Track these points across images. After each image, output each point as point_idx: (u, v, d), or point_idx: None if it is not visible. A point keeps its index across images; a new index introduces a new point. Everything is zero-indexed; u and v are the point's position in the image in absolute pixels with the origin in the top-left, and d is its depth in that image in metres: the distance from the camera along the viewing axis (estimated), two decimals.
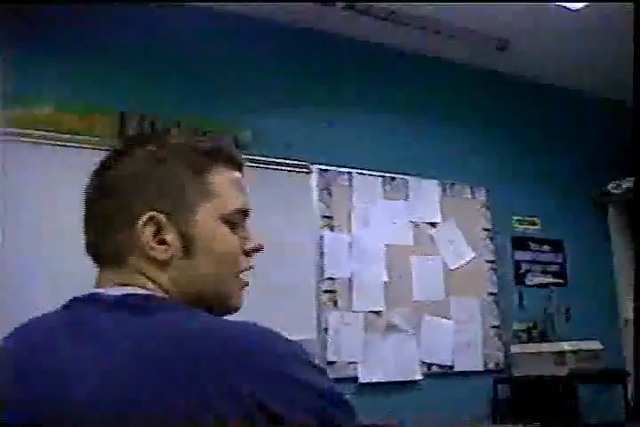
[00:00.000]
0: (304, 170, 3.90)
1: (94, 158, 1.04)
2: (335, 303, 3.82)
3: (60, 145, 3.25)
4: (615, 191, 4.95)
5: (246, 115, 3.73)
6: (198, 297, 0.97)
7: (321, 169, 3.95)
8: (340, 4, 3.84)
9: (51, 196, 3.11)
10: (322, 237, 3.86)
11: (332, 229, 3.90)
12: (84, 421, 0.79)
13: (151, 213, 0.94)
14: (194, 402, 0.77)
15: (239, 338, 0.84)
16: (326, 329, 3.76)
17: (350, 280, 3.89)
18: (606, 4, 3.91)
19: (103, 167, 1.00)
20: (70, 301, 0.96)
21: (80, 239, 1.00)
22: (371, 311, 3.91)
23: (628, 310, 4.89)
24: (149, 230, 0.94)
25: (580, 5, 3.99)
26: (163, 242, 0.94)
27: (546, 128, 4.93)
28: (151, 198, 0.95)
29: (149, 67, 3.59)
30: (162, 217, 0.94)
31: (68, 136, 3.28)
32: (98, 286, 0.96)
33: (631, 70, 4.71)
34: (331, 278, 3.83)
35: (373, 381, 3.82)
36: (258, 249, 1.04)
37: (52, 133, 3.25)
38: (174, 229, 0.95)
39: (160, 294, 0.94)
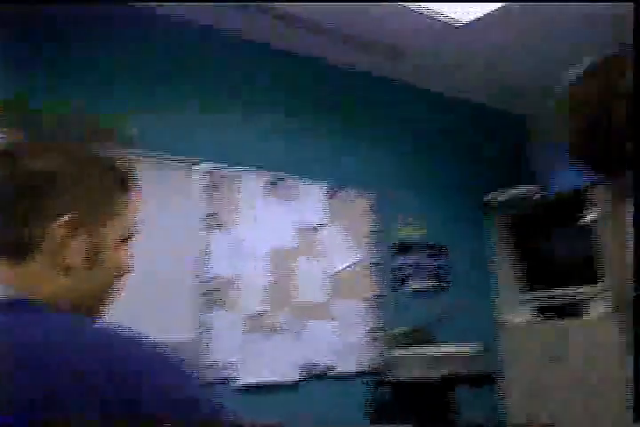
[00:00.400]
0: (190, 167, 3.84)
1: None
2: (217, 303, 3.77)
3: None
4: (499, 200, 5.10)
5: (131, 112, 3.62)
6: (80, 303, 0.97)
7: (208, 167, 3.90)
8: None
9: None
10: (206, 236, 3.81)
11: (217, 228, 3.86)
12: None
13: (69, 215, 0.93)
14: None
15: (100, 346, 0.85)
16: (207, 329, 3.71)
17: (234, 280, 3.85)
18: (496, 17, 4.00)
19: (15, 158, 0.97)
20: None
21: None
22: (253, 312, 3.88)
23: (505, 316, 5.04)
24: (62, 233, 0.93)
25: (469, 19, 4.07)
26: (72, 247, 0.95)
27: (436, 135, 5.04)
28: (70, 202, 0.94)
29: (35, 60, 3.44)
30: (77, 222, 0.94)
31: None
32: None
33: (520, 82, 4.90)
34: (213, 278, 3.79)
35: (254, 382, 3.79)
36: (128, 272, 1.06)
37: None
38: (84, 238, 0.95)
39: (40, 298, 0.93)
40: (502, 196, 5.09)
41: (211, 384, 3.55)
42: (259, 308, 3.91)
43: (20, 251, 0.94)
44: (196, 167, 3.85)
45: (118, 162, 1.04)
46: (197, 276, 3.73)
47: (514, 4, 3.87)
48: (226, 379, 3.69)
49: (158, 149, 3.66)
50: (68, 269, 0.94)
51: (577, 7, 3.92)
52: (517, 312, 5.04)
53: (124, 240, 1.02)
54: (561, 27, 4.19)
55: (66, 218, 0.93)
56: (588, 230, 4.53)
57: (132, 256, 1.05)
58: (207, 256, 3.79)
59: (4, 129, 3.02)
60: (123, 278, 1.04)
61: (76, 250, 0.95)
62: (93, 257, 0.96)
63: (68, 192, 0.95)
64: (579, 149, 1.11)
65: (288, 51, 4.36)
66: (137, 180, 1.07)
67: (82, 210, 0.95)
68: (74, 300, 0.96)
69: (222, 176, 3.94)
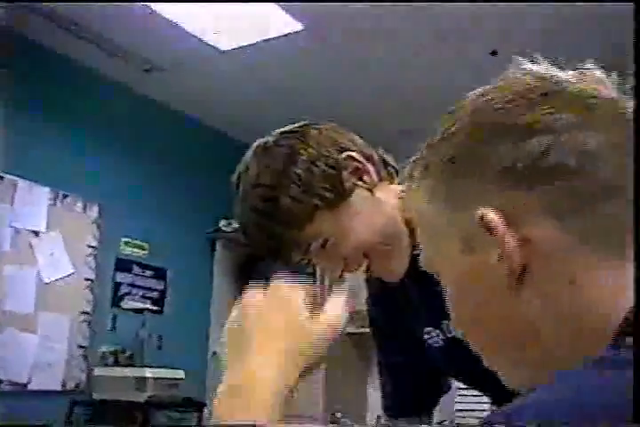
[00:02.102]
0: None
1: None
2: None
3: None
4: (225, 229, 5.17)
5: None
6: None
7: None
8: None
9: None
10: None
11: None
12: None
13: None
14: None
15: None
16: None
17: None
18: (255, 47, 4.12)
19: None
20: None
21: None
22: None
23: (216, 343, 5.07)
24: None
25: (229, 47, 4.15)
26: None
27: (174, 157, 5.01)
28: None
29: None
30: None
31: None
32: None
33: (268, 114, 5.03)
34: None
35: None
36: None
37: None
38: None
39: None
40: (229, 225, 5.17)
41: None
42: None
43: None
44: None
45: None
46: None
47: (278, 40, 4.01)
48: None
49: None
50: None
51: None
52: None
53: None
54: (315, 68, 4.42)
55: None
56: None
57: None
58: None
59: None
60: None
61: None
62: None
63: None
64: None
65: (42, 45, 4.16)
66: None
67: None
68: None
69: None
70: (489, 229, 0.59)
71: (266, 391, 0.72)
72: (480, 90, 0.67)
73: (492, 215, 0.59)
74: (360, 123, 1.78)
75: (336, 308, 0.80)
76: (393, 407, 1.57)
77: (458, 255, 0.64)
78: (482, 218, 0.60)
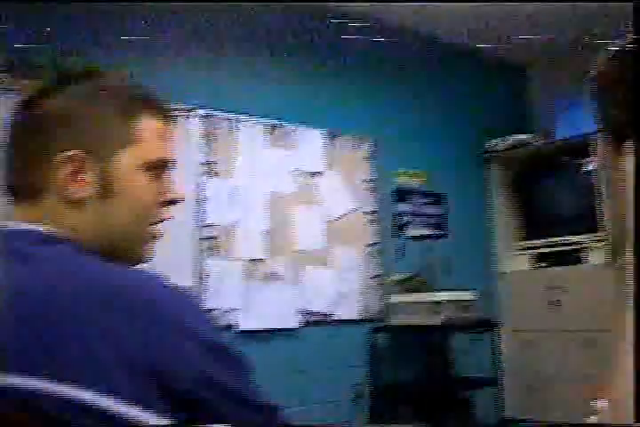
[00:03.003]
0: (185, 114, 3.78)
1: None
2: (216, 250, 3.77)
3: None
4: (499, 148, 5.06)
5: (125, 56, 3.56)
6: (107, 242, 0.97)
7: (204, 114, 3.84)
8: None
9: None
10: (203, 184, 3.78)
11: (214, 175, 3.83)
12: None
13: (73, 151, 0.93)
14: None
15: (126, 288, 0.84)
16: (206, 276, 3.71)
17: (232, 227, 3.84)
18: None
19: (32, 101, 0.99)
20: None
21: None
22: (252, 259, 3.88)
23: (504, 264, 5.05)
24: (68, 168, 0.94)
25: None
26: (81, 181, 0.94)
27: (437, 83, 4.97)
28: (75, 136, 0.95)
29: None
30: (83, 156, 0.94)
31: None
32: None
33: (530, 32, 4.79)
34: (211, 225, 3.77)
35: (253, 328, 3.81)
36: (175, 201, 1.06)
37: None
38: (93, 170, 0.95)
39: (64, 234, 0.93)
40: (503, 143, 5.05)
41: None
42: (257, 255, 3.91)
43: (33, 191, 0.95)
44: (193, 113, 3.79)
45: (126, 89, 1.04)
46: (196, 223, 3.72)
47: None
48: (228, 325, 3.71)
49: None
50: (79, 204, 0.94)
51: None
52: (516, 260, 5.05)
53: (147, 171, 0.99)
54: None
55: (69, 153, 0.93)
56: (588, 179, 4.50)
57: (163, 190, 1.04)
58: (205, 203, 3.77)
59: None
60: (156, 212, 1.04)
61: (84, 183, 0.94)
62: (106, 187, 0.95)
63: (74, 127, 0.95)
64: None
65: None
66: (158, 103, 1.08)
67: (88, 142, 0.95)
68: (98, 237, 0.96)
69: (219, 123, 3.90)
70: None
71: None
72: None
73: None
74: None
75: None
76: None
77: None
78: None
